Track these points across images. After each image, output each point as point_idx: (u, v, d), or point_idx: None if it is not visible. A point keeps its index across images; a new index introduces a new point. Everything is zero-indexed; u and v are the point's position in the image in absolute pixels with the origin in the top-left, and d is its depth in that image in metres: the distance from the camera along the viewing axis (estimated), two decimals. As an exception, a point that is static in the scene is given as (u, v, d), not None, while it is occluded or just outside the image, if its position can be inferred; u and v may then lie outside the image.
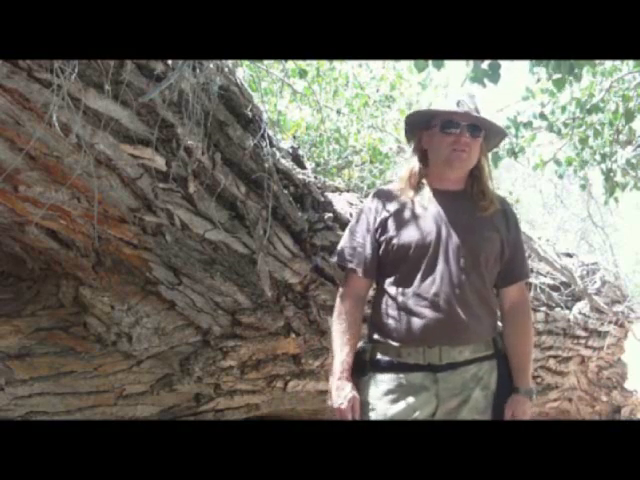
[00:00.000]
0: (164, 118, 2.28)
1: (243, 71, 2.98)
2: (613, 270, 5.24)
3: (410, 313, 1.90)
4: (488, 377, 1.94)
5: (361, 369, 1.98)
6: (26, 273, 2.75)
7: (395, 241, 1.94)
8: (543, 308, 4.12)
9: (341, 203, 3.24)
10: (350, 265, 2.03)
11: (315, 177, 3.14)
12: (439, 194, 1.98)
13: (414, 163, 2.04)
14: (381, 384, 1.93)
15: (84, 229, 2.36)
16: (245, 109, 2.58)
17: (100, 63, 2.04)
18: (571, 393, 4.66)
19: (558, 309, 4.25)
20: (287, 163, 2.84)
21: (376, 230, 1.99)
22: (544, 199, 8.67)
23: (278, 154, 2.77)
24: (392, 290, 1.95)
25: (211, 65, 2.38)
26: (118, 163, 2.24)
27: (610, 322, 4.63)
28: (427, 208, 1.96)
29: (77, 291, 2.56)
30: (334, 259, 2.15)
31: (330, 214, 2.92)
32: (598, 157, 4.01)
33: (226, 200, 2.58)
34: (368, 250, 1.99)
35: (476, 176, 2.01)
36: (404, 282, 1.93)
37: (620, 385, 5.10)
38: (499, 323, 2.06)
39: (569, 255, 5.03)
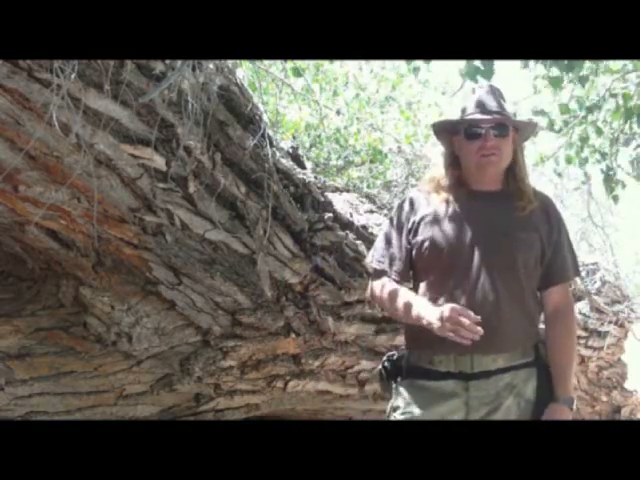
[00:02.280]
0: (164, 118, 2.29)
1: (243, 72, 2.98)
2: (613, 270, 5.23)
3: None
4: (523, 385, 1.84)
5: (397, 375, 1.95)
6: (26, 273, 2.75)
7: (427, 245, 1.88)
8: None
9: (341, 203, 3.25)
10: (382, 267, 1.97)
11: (315, 177, 3.14)
12: (475, 196, 1.92)
13: (443, 165, 1.98)
14: (413, 390, 1.89)
15: (84, 229, 2.36)
16: (245, 109, 2.59)
17: (100, 63, 2.04)
18: (571, 393, 4.65)
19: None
20: (287, 163, 2.84)
21: (409, 232, 1.94)
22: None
23: (278, 154, 2.77)
24: (425, 295, 1.89)
25: (211, 65, 2.38)
26: (118, 163, 2.24)
27: (610, 322, 4.63)
28: (461, 211, 1.89)
29: (77, 291, 2.56)
30: (367, 261, 2.10)
31: (330, 214, 2.92)
32: (598, 156, 3.99)
33: (226, 200, 2.58)
34: (401, 253, 1.94)
35: (513, 174, 1.92)
36: (436, 287, 1.87)
37: (620, 385, 5.10)
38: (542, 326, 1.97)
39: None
